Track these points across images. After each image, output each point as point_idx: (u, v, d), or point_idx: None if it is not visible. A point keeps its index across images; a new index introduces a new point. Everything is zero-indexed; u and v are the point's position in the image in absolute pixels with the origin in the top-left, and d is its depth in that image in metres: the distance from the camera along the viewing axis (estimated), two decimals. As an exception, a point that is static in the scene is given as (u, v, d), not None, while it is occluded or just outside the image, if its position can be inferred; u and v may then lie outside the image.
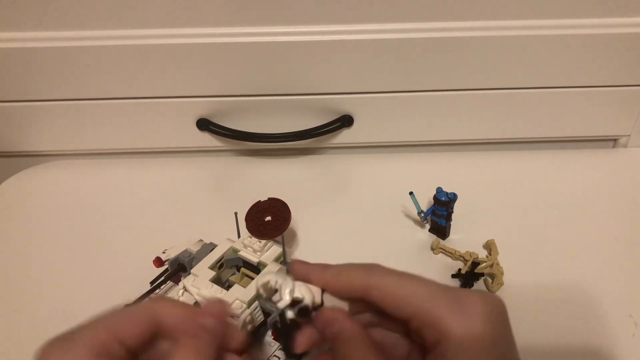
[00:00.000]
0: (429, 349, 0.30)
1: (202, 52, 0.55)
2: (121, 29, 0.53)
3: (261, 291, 0.30)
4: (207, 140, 0.62)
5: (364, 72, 0.56)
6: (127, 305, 0.31)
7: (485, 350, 0.28)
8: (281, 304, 0.30)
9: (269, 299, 0.30)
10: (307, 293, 0.30)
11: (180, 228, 0.55)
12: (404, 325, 0.30)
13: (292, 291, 0.30)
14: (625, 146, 0.64)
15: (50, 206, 0.59)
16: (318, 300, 0.30)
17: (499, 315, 0.29)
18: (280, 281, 0.30)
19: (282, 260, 0.47)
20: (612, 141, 0.65)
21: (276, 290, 0.30)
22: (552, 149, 0.64)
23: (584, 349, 0.44)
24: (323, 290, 0.30)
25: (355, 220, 0.56)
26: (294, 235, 0.55)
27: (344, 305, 0.31)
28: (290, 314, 0.30)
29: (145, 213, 0.58)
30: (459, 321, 0.28)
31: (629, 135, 0.63)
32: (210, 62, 0.55)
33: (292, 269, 0.32)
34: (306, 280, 0.31)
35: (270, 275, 0.30)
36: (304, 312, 0.30)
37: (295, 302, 0.30)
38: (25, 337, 0.47)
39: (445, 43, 0.54)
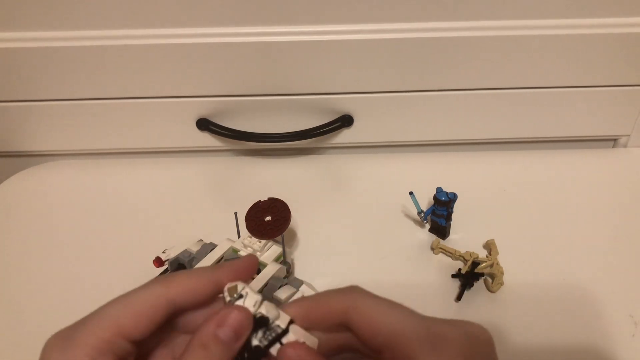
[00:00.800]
0: None
1: (202, 52, 0.55)
2: (121, 29, 0.53)
3: (226, 294, 0.28)
4: (207, 140, 0.62)
5: (364, 72, 0.56)
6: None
7: None
8: None
9: (231, 302, 0.28)
10: (273, 312, 0.28)
11: (180, 228, 0.55)
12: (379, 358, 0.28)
13: (257, 304, 0.28)
14: (625, 146, 0.64)
15: (51, 206, 0.59)
16: (283, 325, 0.28)
17: (480, 352, 0.27)
18: (248, 290, 0.28)
19: (282, 260, 0.47)
20: (612, 141, 0.65)
21: (241, 296, 0.28)
22: (552, 149, 0.64)
23: (584, 349, 0.44)
24: (291, 321, 0.28)
25: (355, 220, 0.56)
26: (294, 235, 0.55)
27: (313, 342, 0.29)
28: (255, 341, 0.28)
29: (145, 213, 0.58)
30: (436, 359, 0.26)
31: (629, 135, 0.63)
32: (210, 62, 0.55)
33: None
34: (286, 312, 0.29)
35: (242, 283, 0.29)
36: (266, 331, 0.28)
37: (259, 320, 0.28)
38: (25, 337, 0.46)
39: (446, 43, 0.54)
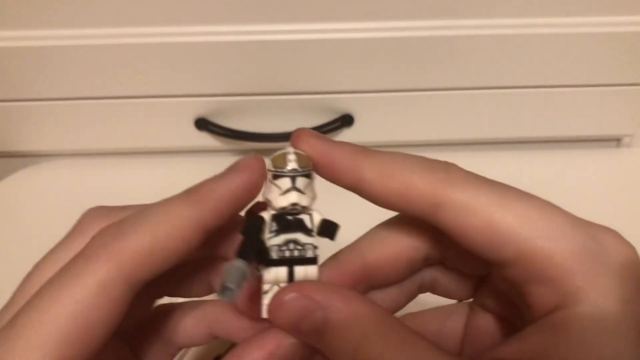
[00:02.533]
0: (529, 312, 0.19)
1: (201, 51, 0.54)
2: (120, 28, 0.53)
3: (271, 168, 0.20)
4: (206, 140, 0.62)
5: (365, 71, 0.56)
6: None
7: (628, 335, 0.17)
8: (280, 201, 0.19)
9: (279, 176, 0.20)
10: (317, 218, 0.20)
11: (179, 228, 0.55)
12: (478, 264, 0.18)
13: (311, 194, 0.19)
14: (628, 146, 0.63)
15: (50, 206, 0.59)
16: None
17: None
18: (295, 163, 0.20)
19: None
20: (615, 141, 0.64)
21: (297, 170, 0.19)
22: (554, 149, 0.64)
23: (586, 352, 0.44)
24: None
25: (355, 220, 0.55)
26: (293, 235, 0.54)
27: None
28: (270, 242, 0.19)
29: (144, 213, 0.58)
30: (597, 284, 0.17)
31: (633, 135, 0.62)
32: (210, 61, 0.55)
33: (297, 141, 0.21)
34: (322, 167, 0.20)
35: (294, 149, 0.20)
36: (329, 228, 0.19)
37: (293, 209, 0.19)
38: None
39: (446, 42, 0.54)
